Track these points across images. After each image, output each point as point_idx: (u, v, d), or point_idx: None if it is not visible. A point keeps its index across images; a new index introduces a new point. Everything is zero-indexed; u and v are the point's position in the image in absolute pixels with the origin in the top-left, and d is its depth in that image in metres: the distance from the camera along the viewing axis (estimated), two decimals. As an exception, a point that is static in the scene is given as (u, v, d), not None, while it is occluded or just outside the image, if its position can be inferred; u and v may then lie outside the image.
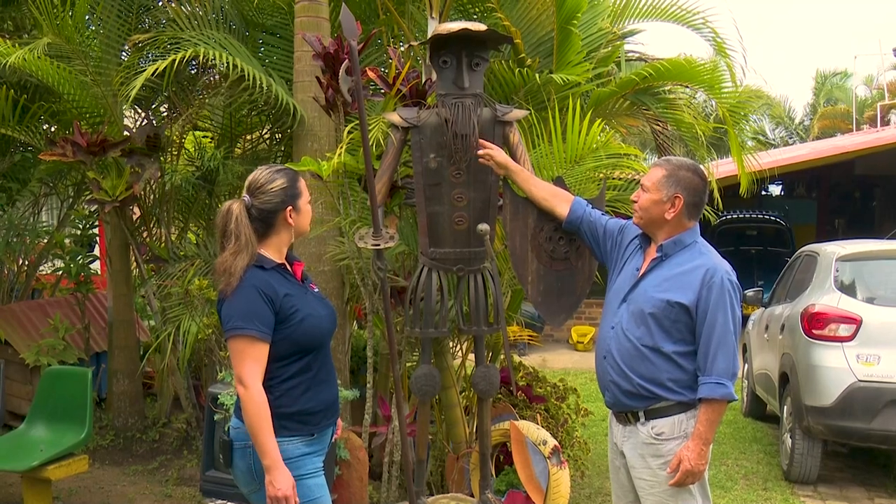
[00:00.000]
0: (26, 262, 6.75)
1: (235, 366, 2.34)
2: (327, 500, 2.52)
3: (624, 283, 2.73)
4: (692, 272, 2.56)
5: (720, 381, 2.50)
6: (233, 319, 2.33)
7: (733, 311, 2.53)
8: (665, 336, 2.57)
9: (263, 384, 2.35)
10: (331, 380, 2.56)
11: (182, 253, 5.13)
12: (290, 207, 2.45)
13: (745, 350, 7.16)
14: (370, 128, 3.62)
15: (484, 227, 3.21)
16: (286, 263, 2.52)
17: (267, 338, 2.35)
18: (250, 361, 2.32)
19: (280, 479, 2.30)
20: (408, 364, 4.48)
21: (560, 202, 3.05)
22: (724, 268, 2.57)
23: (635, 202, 2.71)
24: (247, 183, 2.50)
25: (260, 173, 2.49)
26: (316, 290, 2.63)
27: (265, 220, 2.44)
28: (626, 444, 2.71)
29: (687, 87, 5.17)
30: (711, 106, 11.99)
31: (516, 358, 6.08)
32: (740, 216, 12.56)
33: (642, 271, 2.68)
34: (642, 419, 2.63)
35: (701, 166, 2.74)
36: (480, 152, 3.12)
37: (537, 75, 4.27)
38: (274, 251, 2.47)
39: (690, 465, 2.51)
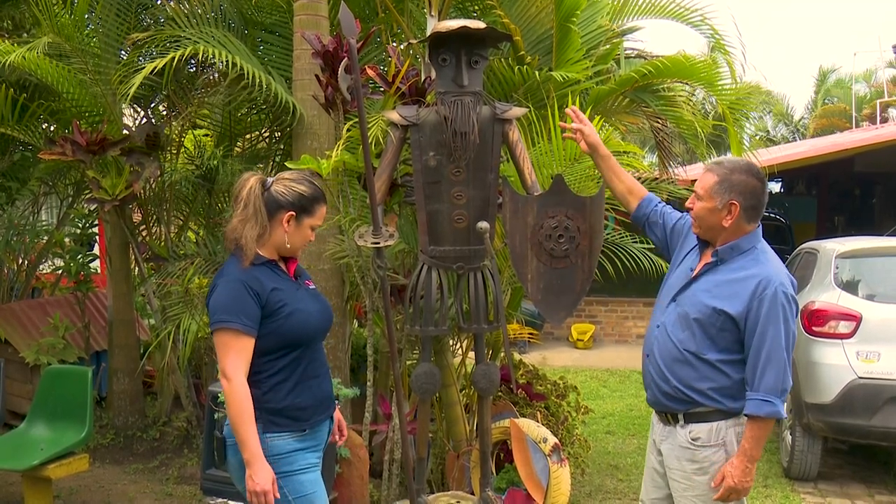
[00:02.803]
0: (26, 261, 6.76)
1: (219, 359, 2.35)
2: (322, 496, 2.51)
3: (676, 281, 2.67)
4: (744, 281, 2.46)
5: (767, 399, 2.40)
6: (218, 313, 2.34)
7: (786, 326, 2.42)
8: (709, 344, 2.50)
9: (251, 378, 2.36)
10: (322, 375, 2.55)
11: (182, 251, 5.13)
12: (292, 213, 2.45)
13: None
14: (369, 126, 3.62)
15: (484, 225, 3.21)
16: (277, 260, 2.52)
17: (252, 332, 2.35)
18: (234, 355, 2.33)
19: (259, 474, 2.30)
20: (408, 362, 4.48)
21: (633, 198, 2.95)
22: (780, 279, 2.44)
23: (690, 209, 2.61)
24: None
25: (296, 173, 2.54)
26: (311, 286, 2.62)
27: (269, 209, 2.44)
28: (664, 444, 2.66)
29: (686, 84, 5.17)
30: (711, 103, 11.99)
31: (516, 356, 6.08)
32: None
33: (695, 273, 2.60)
34: (681, 421, 2.57)
35: (755, 165, 2.62)
36: (571, 126, 2.95)
37: (537, 73, 4.27)
38: (265, 248, 2.47)
39: (734, 483, 2.44)
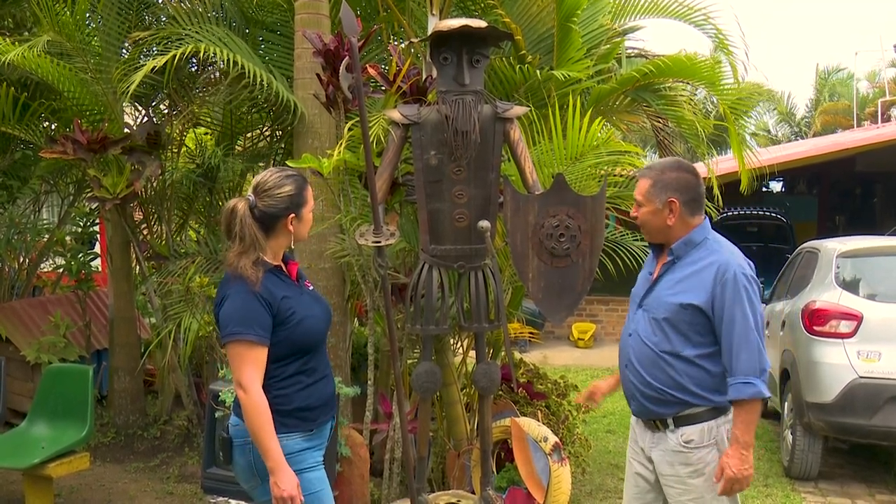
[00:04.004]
0: (27, 260, 6.75)
1: (234, 370, 2.35)
2: (328, 493, 2.53)
3: (639, 288, 2.69)
4: (703, 271, 2.49)
5: (747, 380, 2.40)
6: (230, 325, 2.34)
7: (752, 306, 2.44)
8: (683, 340, 2.51)
9: (262, 384, 2.36)
10: (328, 376, 2.58)
11: (183, 250, 5.13)
12: (292, 215, 2.45)
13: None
14: (371, 125, 3.62)
15: (485, 223, 3.21)
16: (282, 264, 2.52)
17: (265, 341, 2.35)
18: (250, 366, 2.33)
19: (285, 480, 2.32)
20: (409, 361, 4.48)
21: None
22: (737, 261, 2.48)
23: (635, 218, 2.64)
24: (254, 183, 2.49)
25: (269, 175, 2.47)
26: (311, 287, 2.63)
27: (266, 223, 2.44)
28: (654, 451, 2.64)
29: (688, 83, 5.17)
30: (712, 102, 11.98)
31: (517, 355, 6.08)
32: (741, 213, 12.52)
33: (655, 275, 2.62)
34: (671, 426, 2.56)
35: (685, 160, 2.68)
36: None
37: (538, 72, 4.27)
38: (270, 254, 2.47)
39: (734, 473, 2.41)
